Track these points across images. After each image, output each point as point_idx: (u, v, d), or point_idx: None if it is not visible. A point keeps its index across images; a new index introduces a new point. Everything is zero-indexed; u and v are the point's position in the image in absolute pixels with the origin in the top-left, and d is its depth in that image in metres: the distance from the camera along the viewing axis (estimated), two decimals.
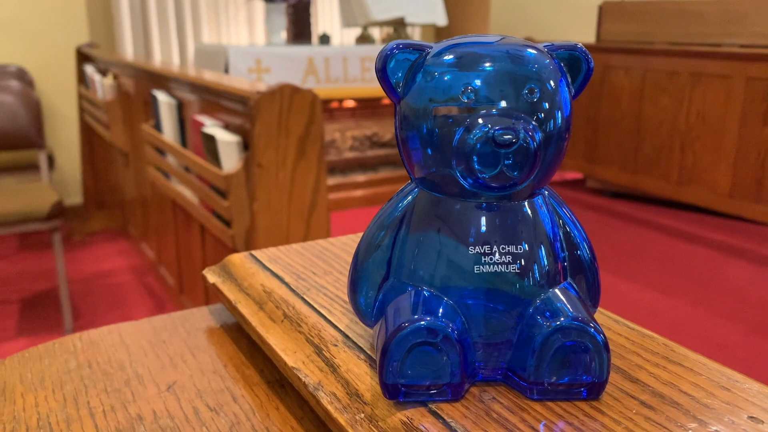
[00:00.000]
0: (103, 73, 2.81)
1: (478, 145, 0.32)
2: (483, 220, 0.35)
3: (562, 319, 0.34)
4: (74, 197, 3.37)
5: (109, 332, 0.52)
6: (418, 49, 0.36)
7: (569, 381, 0.34)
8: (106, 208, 3.24)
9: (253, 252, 0.55)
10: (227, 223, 1.68)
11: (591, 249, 0.39)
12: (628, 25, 3.65)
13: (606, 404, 0.35)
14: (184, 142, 2.06)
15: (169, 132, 2.10)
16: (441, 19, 3.61)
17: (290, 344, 0.43)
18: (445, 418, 0.33)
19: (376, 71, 0.36)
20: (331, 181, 3.46)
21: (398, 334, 0.33)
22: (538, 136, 0.33)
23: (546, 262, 0.36)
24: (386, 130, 3.60)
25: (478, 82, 0.33)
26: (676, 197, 3.35)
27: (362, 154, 3.56)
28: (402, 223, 0.38)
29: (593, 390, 0.35)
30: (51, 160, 3.01)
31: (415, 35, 4.13)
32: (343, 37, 4.12)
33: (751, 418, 0.33)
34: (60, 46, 3.19)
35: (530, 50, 0.35)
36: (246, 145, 1.60)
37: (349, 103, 3.42)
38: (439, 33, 4.42)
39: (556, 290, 0.36)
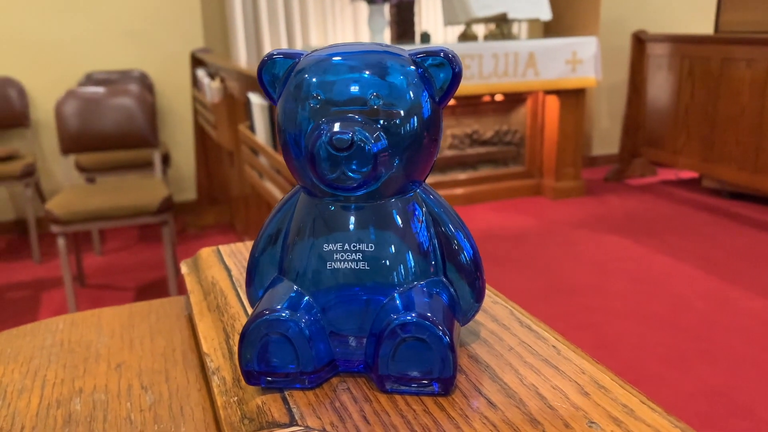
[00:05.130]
0: (212, 76, 3.00)
1: (319, 149, 0.34)
2: (341, 219, 0.37)
3: (410, 315, 0.35)
4: (189, 193, 3.61)
5: (91, 315, 0.58)
6: (291, 57, 0.38)
7: (413, 375, 0.36)
8: (217, 204, 3.44)
9: (220, 246, 0.60)
10: None
11: (474, 250, 0.40)
12: (750, 13, 3.40)
13: (452, 401, 0.35)
14: (275, 143, 2.17)
15: (261, 133, 2.21)
16: (545, 14, 3.53)
17: (211, 332, 0.47)
18: (291, 404, 0.36)
19: (257, 78, 0.39)
20: (430, 179, 3.48)
21: (250, 326, 0.36)
22: (381, 139, 0.35)
23: (410, 261, 0.37)
24: (487, 127, 3.57)
25: (325, 89, 0.35)
26: None
27: (462, 152, 3.55)
28: (286, 221, 0.40)
29: (442, 386, 0.36)
30: (168, 158, 3.24)
31: (521, 31, 4.06)
32: (447, 35, 4.12)
33: (591, 423, 0.33)
34: (177, 52, 3.43)
35: (384, 57, 0.36)
36: None
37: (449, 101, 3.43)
38: (547, 27, 4.32)
39: (417, 288, 0.37)
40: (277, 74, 0.38)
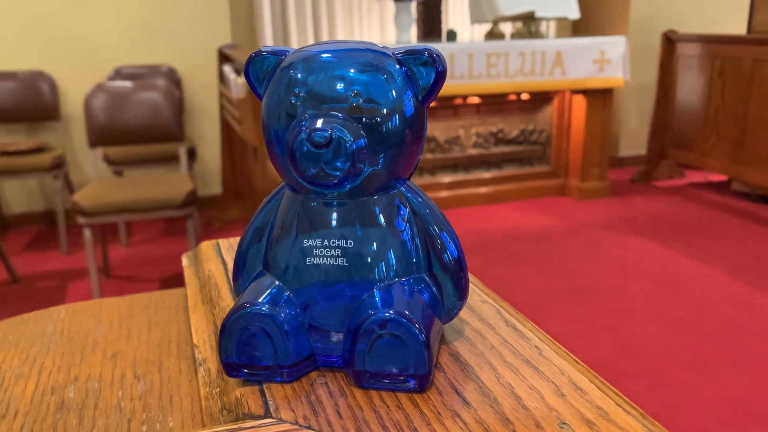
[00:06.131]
0: (238, 72, 3.02)
1: (299, 145, 0.35)
2: (322, 215, 0.37)
3: (387, 312, 0.35)
4: (215, 187, 3.64)
5: (92, 305, 0.60)
6: (278, 54, 0.38)
7: (390, 372, 0.36)
8: (242, 198, 3.47)
9: (220, 240, 0.60)
10: None
11: (458, 250, 0.40)
12: None
13: (427, 397, 0.36)
14: None
15: None
16: (573, 13, 3.49)
17: (202, 324, 0.48)
18: (267, 396, 0.36)
19: (244, 74, 0.39)
20: (455, 177, 3.48)
21: (230, 319, 0.37)
22: (361, 137, 0.35)
23: (391, 258, 0.38)
24: (512, 126, 3.55)
25: (307, 86, 0.36)
26: None
27: (487, 150, 3.53)
28: (271, 216, 0.41)
29: (418, 382, 0.36)
30: (194, 153, 3.27)
31: (549, 30, 4.02)
32: (474, 33, 4.10)
33: (563, 424, 0.33)
34: (205, 48, 3.46)
35: (368, 56, 0.37)
36: None
37: (474, 100, 3.41)
38: (575, 27, 4.28)
39: (397, 285, 0.37)
40: (264, 70, 0.39)
